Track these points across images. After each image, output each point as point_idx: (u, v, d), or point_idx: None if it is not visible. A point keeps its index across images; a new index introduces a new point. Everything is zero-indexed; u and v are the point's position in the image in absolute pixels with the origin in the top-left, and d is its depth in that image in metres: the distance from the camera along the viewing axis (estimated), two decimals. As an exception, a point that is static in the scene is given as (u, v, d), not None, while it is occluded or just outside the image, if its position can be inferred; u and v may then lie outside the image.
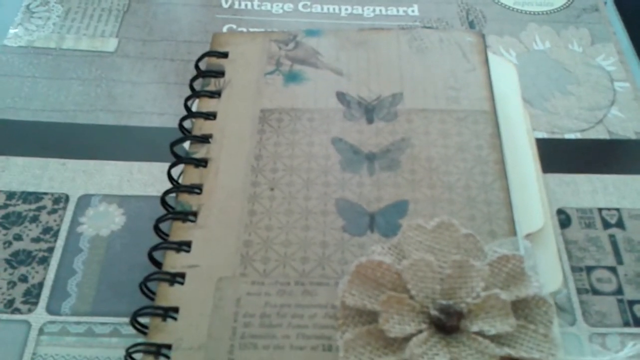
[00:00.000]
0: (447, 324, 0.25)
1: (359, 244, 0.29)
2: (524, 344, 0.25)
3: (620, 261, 0.32)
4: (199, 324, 0.26)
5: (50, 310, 0.30)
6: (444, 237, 0.27)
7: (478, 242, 0.27)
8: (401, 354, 0.24)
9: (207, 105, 0.34)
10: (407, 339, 0.24)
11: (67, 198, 0.34)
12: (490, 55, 0.36)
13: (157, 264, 0.29)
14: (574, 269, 0.32)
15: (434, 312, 0.25)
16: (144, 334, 0.27)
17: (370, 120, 0.33)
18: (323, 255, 0.29)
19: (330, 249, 0.29)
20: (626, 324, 0.30)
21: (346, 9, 0.44)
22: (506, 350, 0.24)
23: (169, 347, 0.26)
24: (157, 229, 0.30)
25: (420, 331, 0.25)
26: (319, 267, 0.28)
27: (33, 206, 0.34)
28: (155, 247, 0.29)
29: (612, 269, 0.32)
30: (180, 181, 0.32)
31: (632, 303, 0.31)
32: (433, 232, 0.27)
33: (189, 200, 0.31)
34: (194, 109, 0.35)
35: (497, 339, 0.24)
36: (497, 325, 0.24)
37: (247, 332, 0.26)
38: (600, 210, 0.34)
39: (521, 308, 0.26)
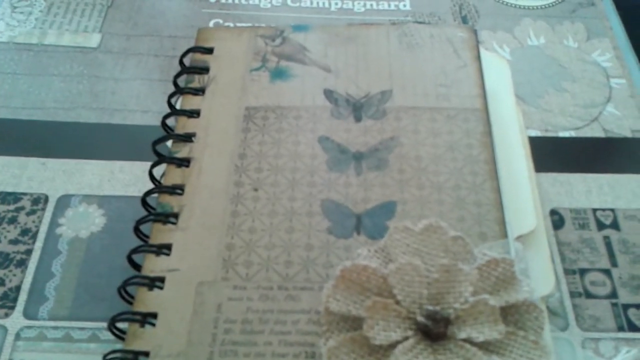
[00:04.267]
0: (434, 330, 0.24)
1: (344, 246, 0.28)
2: (513, 351, 0.24)
3: (614, 263, 0.31)
4: (178, 331, 0.26)
5: (27, 314, 0.29)
6: (432, 240, 0.26)
7: (467, 244, 0.26)
8: (386, 362, 0.24)
9: (191, 102, 0.33)
10: (392, 346, 0.24)
11: (46, 198, 0.33)
12: (483, 51, 0.35)
13: (137, 267, 0.28)
14: (567, 272, 0.31)
15: (420, 318, 0.24)
16: (123, 339, 0.26)
17: (358, 119, 0.32)
18: (307, 258, 0.28)
19: (315, 252, 0.28)
20: (620, 328, 0.29)
21: (336, 4, 0.43)
22: (494, 358, 0.23)
23: (146, 354, 0.25)
24: (137, 230, 0.29)
25: (406, 338, 0.24)
26: (303, 270, 0.27)
27: (11, 207, 0.33)
28: (135, 250, 0.28)
29: (606, 272, 0.31)
30: (162, 181, 0.31)
31: (626, 307, 0.30)
32: (421, 235, 0.26)
33: (170, 201, 0.30)
34: (178, 106, 0.34)
35: (485, 346, 0.24)
36: (486, 331, 0.24)
37: (227, 339, 0.25)
38: (594, 210, 0.33)
39: (511, 313, 0.25)
